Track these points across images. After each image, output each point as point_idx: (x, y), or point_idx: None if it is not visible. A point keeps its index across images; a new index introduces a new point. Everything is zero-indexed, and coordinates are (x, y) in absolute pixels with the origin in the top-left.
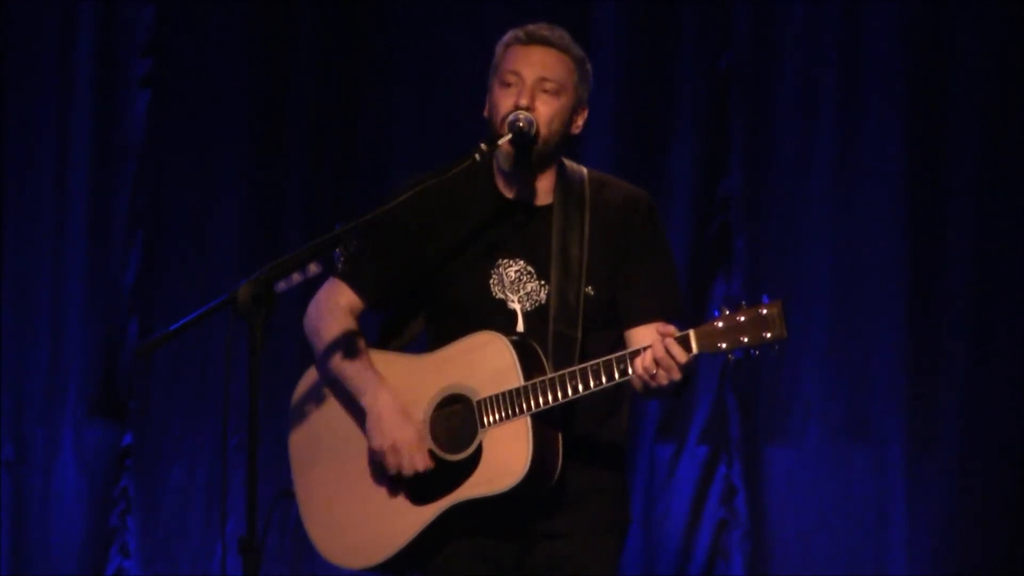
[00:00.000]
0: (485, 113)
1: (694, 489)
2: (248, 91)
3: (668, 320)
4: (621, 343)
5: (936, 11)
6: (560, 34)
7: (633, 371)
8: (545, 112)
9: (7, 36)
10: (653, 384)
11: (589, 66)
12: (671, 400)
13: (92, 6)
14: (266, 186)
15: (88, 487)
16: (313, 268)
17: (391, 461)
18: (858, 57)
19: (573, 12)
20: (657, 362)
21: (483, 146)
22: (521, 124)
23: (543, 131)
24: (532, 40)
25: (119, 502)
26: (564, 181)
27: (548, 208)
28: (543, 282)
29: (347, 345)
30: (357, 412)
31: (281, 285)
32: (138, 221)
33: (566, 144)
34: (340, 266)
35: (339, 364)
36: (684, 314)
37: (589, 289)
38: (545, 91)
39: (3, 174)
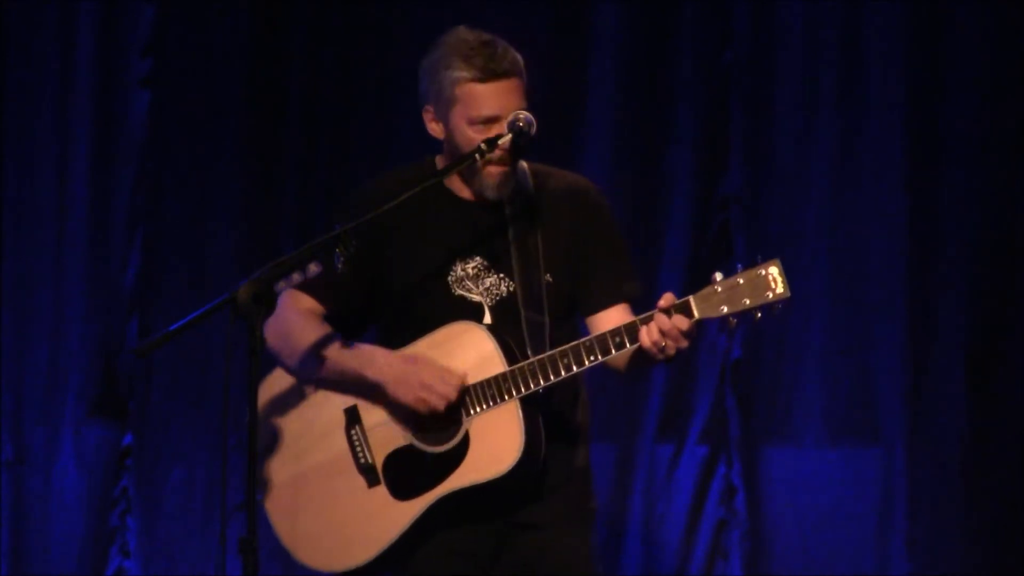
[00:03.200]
0: (437, 135)
1: (694, 489)
2: (248, 91)
3: (628, 299)
4: (580, 329)
5: (936, 11)
6: (509, 56)
7: (641, 344)
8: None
9: (7, 36)
10: (661, 356)
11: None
12: (666, 378)
13: (92, 6)
14: (266, 186)
15: (88, 487)
16: (313, 268)
17: (429, 398)
18: (858, 57)
19: (573, 12)
20: (665, 333)
21: (483, 146)
22: (521, 124)
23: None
24: (491, 76)
25: (119, 502)
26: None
27: (498, 204)
28: (502, 275)
29: (326, 337)
30: (331, 409)
31: (281, 285)
32: (138, 221)
33: None
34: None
35: (325, 354)
36: (642, 295)
37: (548, 277)
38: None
39: (3, 174)
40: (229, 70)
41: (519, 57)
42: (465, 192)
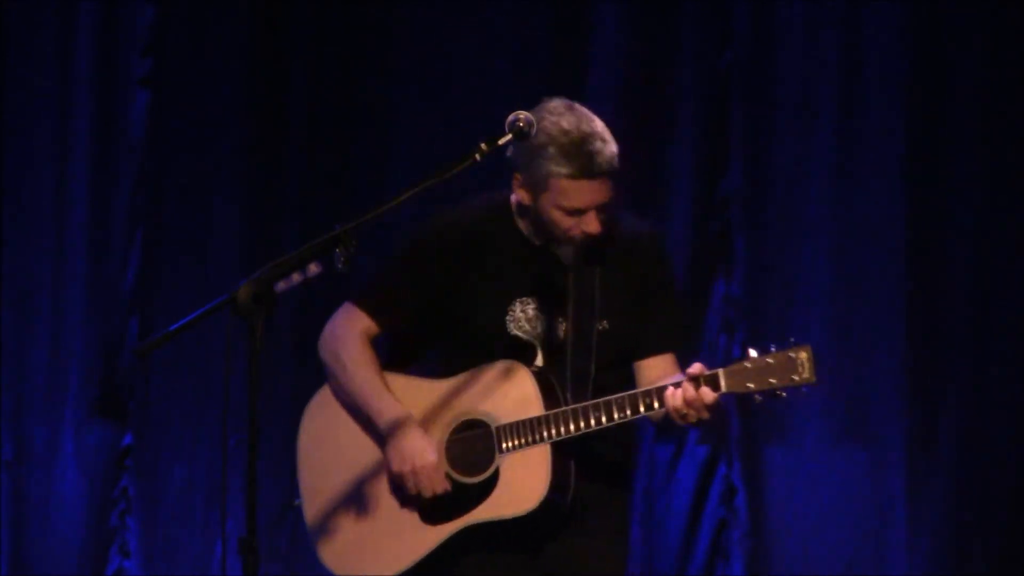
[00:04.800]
0: (523, 201)
1: (694, 489)
2: (248, 91)
3: (676, 350)
4: (632, 377)
5: (936, 11)
6: (607, 153)
7: (665, 409)
8: (602, 221)
9: (7, 36)
10: (682, 423)
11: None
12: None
13: (92, 6)
14: (266, 186)
15: (88, 487)
16: (313, 268)
17: (411, 484)
18: (858, 57)
19: (573, 12)
20: (688, 403)
21: (483, 146)
22: (522, 125)
23: (597, 231)
24: (587, 176)
25: (119, 502)
26: None
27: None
28: (560, 319)
29: (365, 369)
30: (373, 432)
31: (281, 285)
32: (138, 221)
33: None
34: (358, 291)
35: (358, 386)
36: (692, 344)
37: (604, 324)
38: (602, 209)
39: (3, 174)
40: (229, 70)
41: (615, 148)
42: (535, 238)
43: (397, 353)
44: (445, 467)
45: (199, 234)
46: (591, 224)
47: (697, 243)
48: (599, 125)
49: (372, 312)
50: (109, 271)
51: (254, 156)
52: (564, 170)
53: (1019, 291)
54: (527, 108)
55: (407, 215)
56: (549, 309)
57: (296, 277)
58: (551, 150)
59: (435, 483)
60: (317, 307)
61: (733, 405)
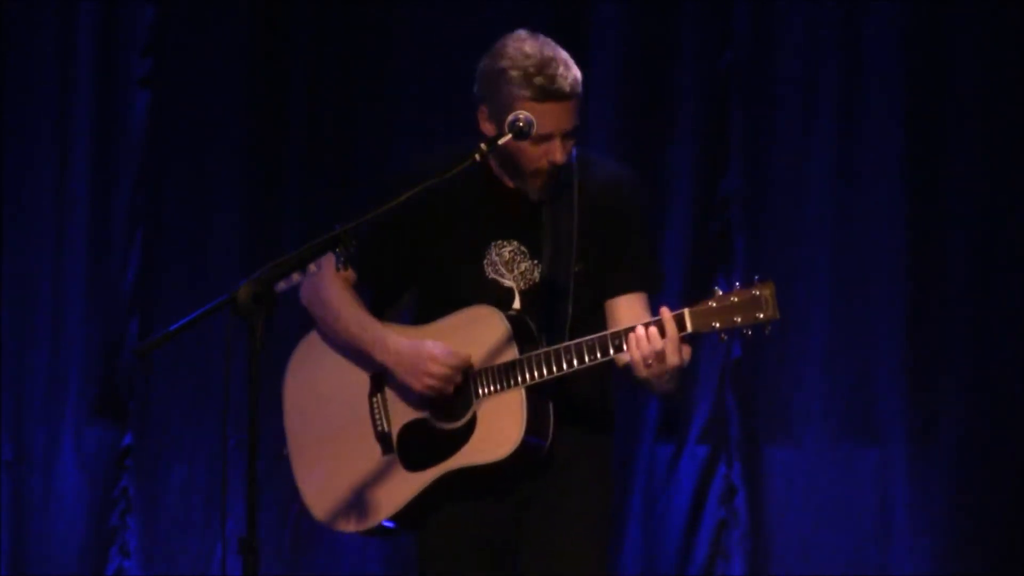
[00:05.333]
0: (489, 133)
1: (694, 489)
2: (248, 91)
3: (648, 292)
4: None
5: (936, 12)
6: (570, 76)
7: (628, 349)
8: (567, 150)
9: (7, 36)
10: (647, 373)
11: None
12: (670, 398)
13: (92, 6)
14: (266, 186)
15: (88, 487)
16: (313, 268)
17: (435, 385)
18: (858, 57)
19: (573, 12)
20: (651, 341)
21: (483, 146)
22: (521, 125)
23: (562, 160)
24: (550, 97)
25: (119, 502)
26: None
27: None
28: (536, 261)
29: (351, 307)
30: (361, 369)
31: (281, 285)
32: (138, 221)
33: None
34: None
35: (346, 323)
36: (663, 288)
37: (580, 266)
38: (567, 136)
39: (3, 174)
40: (229, 70)
41: (579, 74)
42: (507, 180)
43: (376, 300)
44: (423, 413)
45: (199, 234)
46: (556, 152)
47: (697, 243)
48: (563, 53)
49: (350, 260)
50: (109, 271)
51: (254, 156)
52: (527, 92)
53: (1019, 291)
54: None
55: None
56: (524, 251)
57: (296, 277)
58: (513, 74)
59: (453, 368)
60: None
61: (733, 405)
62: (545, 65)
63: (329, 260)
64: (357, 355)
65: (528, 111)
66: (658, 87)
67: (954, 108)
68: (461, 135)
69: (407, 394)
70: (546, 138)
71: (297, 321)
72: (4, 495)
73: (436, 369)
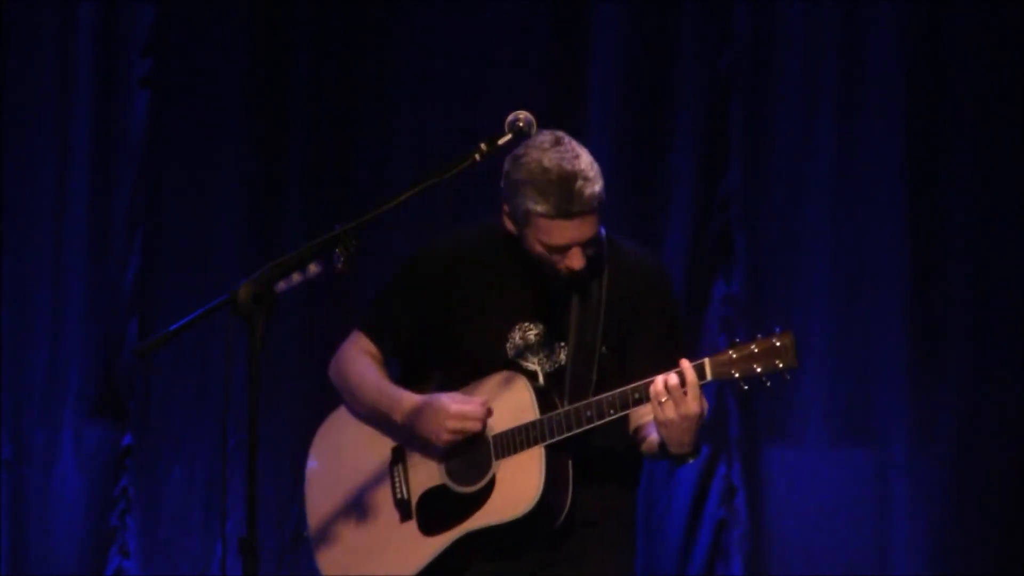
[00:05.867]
0: (510, 231)
1: (694, 489)
2: (248, 91)
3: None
4: None
5: (936, 11)
6: (587, 193)
7: (650, 395)
8: (587, 255)
9: (7, 36)
10: (666, 424)
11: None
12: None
13: (92, 6)
14: (266, 186)
15: (88, 487)
16: (313, 268)
17: (457, 432)
18: (858, 57)
19: (573, 12)
20: (670, 390)
21: (483, 146)
22: (521, 125)
23: (581, 267)
24: (566, 216)
25: (119, 502)
26: None
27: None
28: (562, 344)
29: (372, 376)
30: (381, 447)
31: (281, 285)
32: (138, 221)
33: None
34: (362, 317)
35: (366, 390)
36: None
37: (604, 349)
38: (587, 245)
39: (3, 174)
40: (229, 70)
41: (598, 187)
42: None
43: (403, 374)
44: (443, 479)
45: (199, 234)
46: (575, 260)
47: (697, 243)
48: (583, 162)
49: (374, 337)
50: (109, 271)
51: (254, 156)
52: (541, 208)
53: (1019, 291)
54: (527, 110)
55: (407, 215)
56: (550, 333)
57: (296, 277)
58: (530, 188)
59: (472, 416)
60: (318, 307)
61: (733, 405)
62: (563, 182)
63: (353, 339)
64: (379, 425)
65: (544, 227)
66: (658, 87)
67: (954, 108)
68: (461, 142)
69: (427, 462)
70: (563, 249)
71: (297, 322)
72: (4, 495)
73: (453, 410)
